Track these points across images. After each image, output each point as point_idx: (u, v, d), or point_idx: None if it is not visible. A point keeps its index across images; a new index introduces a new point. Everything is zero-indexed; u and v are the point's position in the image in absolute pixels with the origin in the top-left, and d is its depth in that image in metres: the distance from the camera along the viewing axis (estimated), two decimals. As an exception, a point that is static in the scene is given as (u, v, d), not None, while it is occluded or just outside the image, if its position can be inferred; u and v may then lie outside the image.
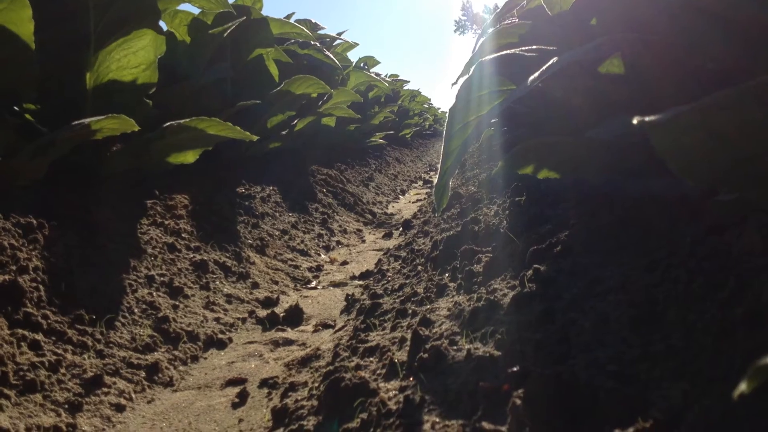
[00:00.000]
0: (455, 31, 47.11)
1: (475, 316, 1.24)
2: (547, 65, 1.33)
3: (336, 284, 2.69)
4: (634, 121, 0.59)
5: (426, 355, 1.13)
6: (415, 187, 6.88)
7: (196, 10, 3.54)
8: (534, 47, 1.61)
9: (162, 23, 3.55)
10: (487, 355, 1.01)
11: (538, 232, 1.59)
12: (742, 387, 0.28)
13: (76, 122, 2.06)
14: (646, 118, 0.57)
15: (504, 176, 2.50)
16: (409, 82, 10.85)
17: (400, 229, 3.93)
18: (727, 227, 0.96)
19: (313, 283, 2.71)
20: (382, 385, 1.16)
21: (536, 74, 1.34)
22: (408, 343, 1.27)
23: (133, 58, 2.54)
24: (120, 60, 2.52)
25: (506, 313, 1.18)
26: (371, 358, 1.39)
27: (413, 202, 5.55)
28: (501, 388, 0.81)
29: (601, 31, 1.76)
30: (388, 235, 3.88)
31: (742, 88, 0.54)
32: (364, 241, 3.76)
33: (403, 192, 6.37)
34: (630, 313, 0.86)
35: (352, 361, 1.41)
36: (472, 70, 1.57)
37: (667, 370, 0.67)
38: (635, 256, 1.10)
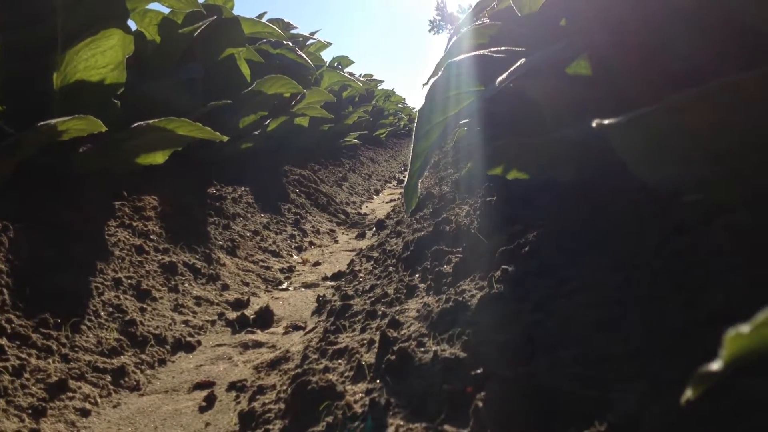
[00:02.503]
0: (430, 30, 47.19)
1: (443, 317, 1.24)
2: (514, 67, 1.33)
3: (308, 285, 2.67)
4: (593, 124, 0.59)
5: (393, 357, 1.12)
6: (389, 187, 6.87)
7: (166, 10, 3.51)
8: (503, 48, 1.61)
9: (131, 22, 3.52)
10: (453, 356, 1.00)
11: (507, 233, 1.59)
12: (688, 393, 0.28)
13: (42, 123, 2.03)
14: (605, 121, 0.57)
15: (477, 176, 2.50)
16: (383, 81, 10.84)
17: (374, 229, 3.92)
18: (693, 227, 0.96)
19: (285, 285, 2.69)
20: (348, 387, 1.16)
21: (504, 76, 1.33)
22: (376, 344, 1.27)
23: (101, 57, 2.51)
24: (88, 60, 2.48)
25: (473, 314, 1.17)
26: (340, 360, 1.38)
27: (387, 202, 5.54)
28: (464, 391, 0.80)
29: (570, 32, 1.77)
30: (361, 236, 3.87)
31: (697, 92, 0.54)
32: (337, 242, 3.75)
33: (377, 192, 6.37)
34: (594, 314, 0.86)
35: (321, 363, 1.40)
36: (441, 71, 1.56)
37: (629, 372, 0.67)
38: (602, 256, 1.11)
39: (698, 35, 1.18)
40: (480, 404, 0.72)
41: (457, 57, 1.66)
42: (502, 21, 2.20)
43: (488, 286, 1.28)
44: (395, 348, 1.15)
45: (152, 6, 3.32)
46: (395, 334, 1.26)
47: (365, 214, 4.78)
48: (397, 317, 1.39)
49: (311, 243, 3.56)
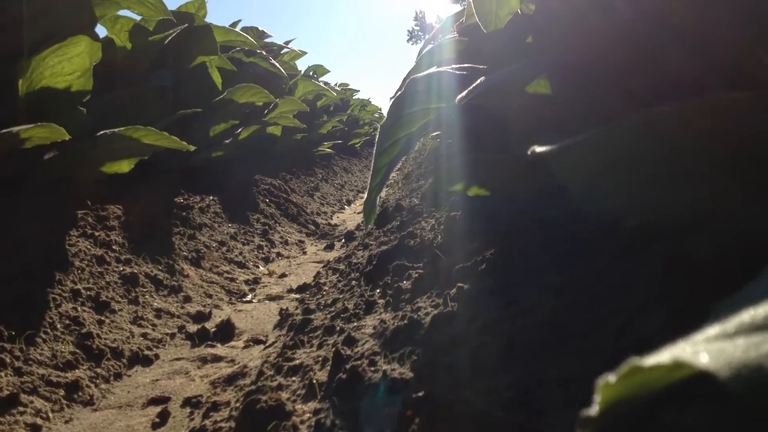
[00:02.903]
0: (408, 41, 47.37)
1: (397, 335, 1.23)
2: (473, 85, 1.34)
3: (272, 297, 2.66)
4: (528, 152, 0.59)
5: (344, 376, 1.12)
6: (362, 197, 6.86)
7: (138, 17, 3.48)
8: (465, 66, 1.61)
9: (102, 29, 3.49)
10: (401, 377, 1.00)
11: (465, 250, 1.59)
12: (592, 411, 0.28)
13: (4, 131, 2.00)
14: (537, 149, 0.57)
15: (444, 189, 2.50)
16: (359, 91, 10.85)
17: (343, 240, 3.91)
18: (636, 251, 0.97)
19: (249, 297, 2.67)
20: (298, 407, 1.15)
21: (463, 94, 1.34)
22: (330, 362, 1.26)
23: (67, 64, 2.48)
24: (54, 66, 2.46)
25: (426, 333, 1.17)
26: (294, 378, 1.37)
27: (358, 213, 5.53)
28: (404, 414, 0.80)
29: (533, 51, 1.78)
30: (329, 247, 3.86)
31: (631, 120, 0.54)
32: (305, 253, 3.73)
33: (349, 202, 6.36)
34: (535, 338, 0.86)
35: (275, 380, 1.39)
36: (404, 86, 1.57)
37: (560, 399, 0.67)
38: (551, 276, 1.11)
39: (651, 62, 1.19)
40: (415, 429, 0.71)
41: (420, 73, 1.66)
42: (469, 36, 2.21)
43: (443, 304, 1.28)
44: (347, 366, 1.14)
45: (124, 12, 3.30)
46: (349, 352, 1.26)
47: (335, 225, 4.77)
48: (353, 334, 1.38)
49: (279, 254, 3.54)
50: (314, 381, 1.22)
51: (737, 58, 0.86)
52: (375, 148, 1.45)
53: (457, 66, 1.59)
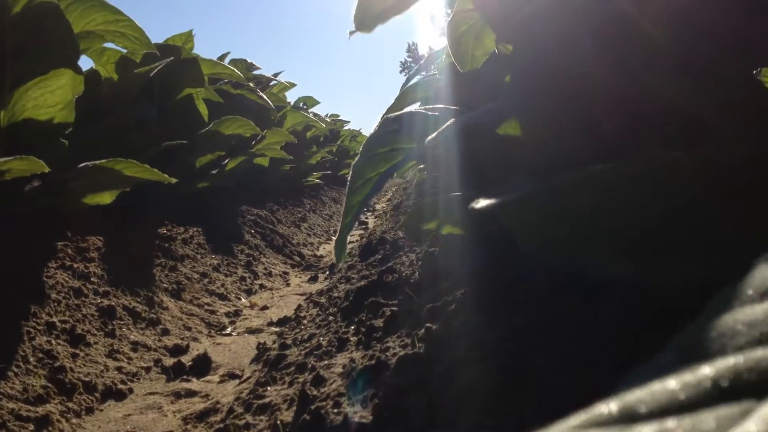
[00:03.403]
0: (401, 72, 47.75)
1: (362, 376, 1.24)
2: (443, 127, 1.35)
3: (252, 331, 2.65)
4: (470, 206, 0.60)
5: (308, 418, 1.12)
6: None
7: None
8: (438, 106, 1.64)
9: (89, 60, 3.52)
10: (362, 421, 1.00)
11: (438, 288, 1.60)
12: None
13: (-19, 163, 2.01)
14: (477, 205, 0.58)
15: (420, 226, 2.51)
16: (349, 122, 10.94)
17: (327, 272, 3.91)
18: (597, 298, 0.98)
19: (229, 329, 2.67)
20: (261, 448, 1.14)
21: (432, 135, 1.35)
22: (296, 402, 1.26)
23: (50, 97, 2.50)
24: (37, 99, 2.47)
25: (391, 374, 1.17)
26: (262, 417, 1.37)
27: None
28: (358, 462, 0.80)
29: (513, 89, 1.81)
30: (313, 279, 3.86)
31: (569, 178, 0.55)
32: (288, 285, 3.73)
33: (336, 232, 6.36)
34: (495, 382, 0.87)
35: (243, 419, 1.39)
36: (377, 126, 1.58)
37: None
38: (517, 318, 1.12)
39: (620, 113, 1.21)
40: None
41: (393, 113, 1.68)
42: (446, 74, 2.24)
43: (411, 344, 1.29)
44: (312, 407, 1.15)
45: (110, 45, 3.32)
46: (315, 392, 1.26)
47: (321, 256, 4.77)
48: (321, 373, 1.38)
49: (262, 286, 3.54)
50: (279, 421, 1.22)
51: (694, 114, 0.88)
52: (347, 186, 1.46)
53: (429, 107, 1.61)
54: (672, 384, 0.26)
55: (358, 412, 1.06)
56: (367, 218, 7.70)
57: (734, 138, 0.86)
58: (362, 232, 6.09)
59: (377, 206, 9.70)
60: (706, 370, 0.26)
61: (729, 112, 0.90)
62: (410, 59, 47.19)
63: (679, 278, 0.73)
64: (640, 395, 0.27)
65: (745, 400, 0.24)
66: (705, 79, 0.94)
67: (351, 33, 1.16)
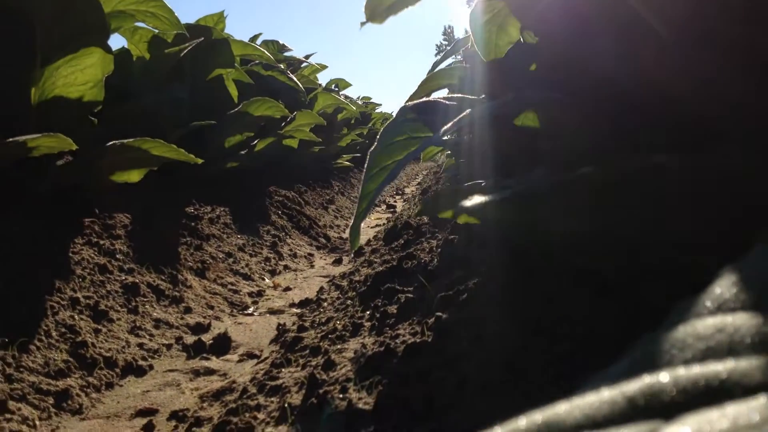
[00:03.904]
0: (437, 55, 47.46)
1: (371, 362, 1.25)
2: (458, 117, 1.35)
3: (274, 311, 2.68)
4: (459, 204, 0.61)
5: (314, 401, 1.14)
6: (378, 212, 6.89)
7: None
8: (456, 96, 1.64)
9: (122, 39, 3.56)
10: (366, 407, 1.02)
11: (452, 277, 1.61)
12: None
13: (11, 139, 2.05)
14: (466, 203, 0.59)
15: (435, 214, 2.52)
16: (381, 105, 10.93)
17: (352, 255, 3.93)
18: (606, 293, 0.98)
19: (251, 309, 2.70)
20: (268, 430, 1.17)
21: (448, 125, 1.36)
22: (306, 386, 1.28)
23: (80, 75, 2.53)
24: (67, 77, 2.51)
25: (397, 362, 1.19)
26: (273, 398, 1.39)
27: (372, 227, 5.55)
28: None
29: (540, 76, 1.79)
30: (338, 261, 3.88)
31: (550, 181, 0.56)
32: (312, 266, 3.76)
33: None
34: (488, 377, 0.88)
35: (256, 399, 1.42)
36: (395, 113, 1.59)
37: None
38: (521, 312, 1.12)
39: (634, 108, 1.21)
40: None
41: (414, 100, 1.68)
42: (471, 63, 2.23)
43: (420, 332, 1.30)
44: (320, 392, 1.17)
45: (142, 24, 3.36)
46: (324, 377, 1.28)
47: (347, 239, 4.79)
48: (333, 357, 1.40)
49: (286, 267, 3.57)
50: (287, 404, 1.24)
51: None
52: (363, 173, 1.47)
53: (447, 96, 1.61)
54: (592, 400, 0.27)
55: (362, 399, 1.07)
56: (396, 201, 7.71)
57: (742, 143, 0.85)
58: (390, 215, 6.11)
59: (407, 190, 9.71)
60: (626, 387, 0.27)
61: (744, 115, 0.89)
62: (446, 42, 46.89)
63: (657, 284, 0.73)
64: (563, 409, 0.27)
65: (653, 420, 0.25)
66: (719, 76, 0.93)
67: (362, 24, 1.17)
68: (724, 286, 0.40)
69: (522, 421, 0.26)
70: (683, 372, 0.27)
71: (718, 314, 0.37)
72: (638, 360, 0.36)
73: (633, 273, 0.74)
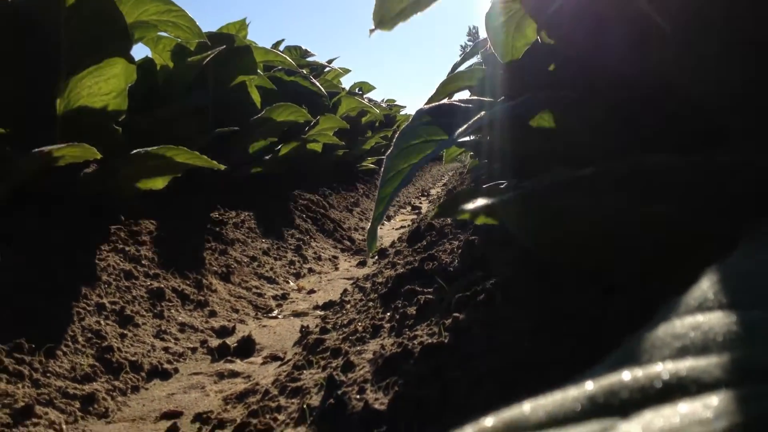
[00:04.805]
0: (460, 56, 47.33)
1: (389, 364, 1.26)
2: (473, 120, 1.36)
3: (297, 314, 2.70)
4: (461, 207, 0.62)
5: (332, 402, 1.15)
6: (403, 213, 6.90)
7: (180, 37, 3.59)
8: (472, 98, 1.64)
9: (146, 48, 3.62)
10: (381, 408, 1.03)
11: (471, 277, 1.62)
12: None
13: (37, 150, 2.10)
14: (469, 206, 0.60)
15: (454, 215, 2.52)
16: (405, 107, 10.93)
17: (376, 257, 3.95)
18: (616, 292, 0.98)
19: (275, 312, 2.73)
20: (287, 431, 1.19)
21: (462, 128, 1.36)
22: (324, 387, 1.30)
23: (104, 85, 2.58)
24: (91, 87, 2.56)
25: (414, 363, 1.20)
26: (294, 399, 1.41)
27: (397, 229, 5.57)
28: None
29: (558, 77, 1.80)
30: (362, 263, 3.90)
31: (553, 181, 0.56)
32: (337, 269, 3.78)
33: (389, 218, 6.40)
34: (502, 376, 0.88)
35: (277, 401, 1.44)
36: (411, 117, 1.60)
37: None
38: (536, 311, 1.13)
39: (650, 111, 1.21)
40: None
41: (433, 102, 1.69)
42: (489, 65, 2.24)
43: (438, 333, 1.31)
44: (338, 393, 1.18)
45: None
46: (342, 378, 1.29)
47: (372, 241, 4.80)
48: (352, 358, 1.42)
49: (310, 270, 3.60)
50: (306, 405, 1.25)
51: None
52: (380, 177, 1.48)
53: (463, 99, 1.62)
54: (557, 398, 0.28)
55: (378, 399, 1.09)
56: (421, 203, 7.72)
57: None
58: (415, 216, 6.11)
59: (432, 191, 9.70)
60: (588, 386, 0.28)
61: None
62: (471, 43, 46.77)
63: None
64: (529, 407, 0.28)
65: (611, 417, 0.26)
66: (730, 78, 0.93)
67: (371, 31, 1.18)
68: (706, 285, 0.41)
69: (489, 420, 0.27)
70: (642, 370, 0.28)
71: (697, 313, 0.38)
72: (619, 359, 0.37)
73: (642, 271, 0.75)
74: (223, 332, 2.37)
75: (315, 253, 3.94)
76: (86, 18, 2.35)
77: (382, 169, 1.51)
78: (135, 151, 2.48)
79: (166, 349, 2.07)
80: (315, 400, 1.29)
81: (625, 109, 1.28)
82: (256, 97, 4.06)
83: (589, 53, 1.44)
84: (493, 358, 1.00)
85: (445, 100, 1.61)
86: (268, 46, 4.58)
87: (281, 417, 1.30)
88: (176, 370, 1.99)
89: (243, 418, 1.34)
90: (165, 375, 1.94)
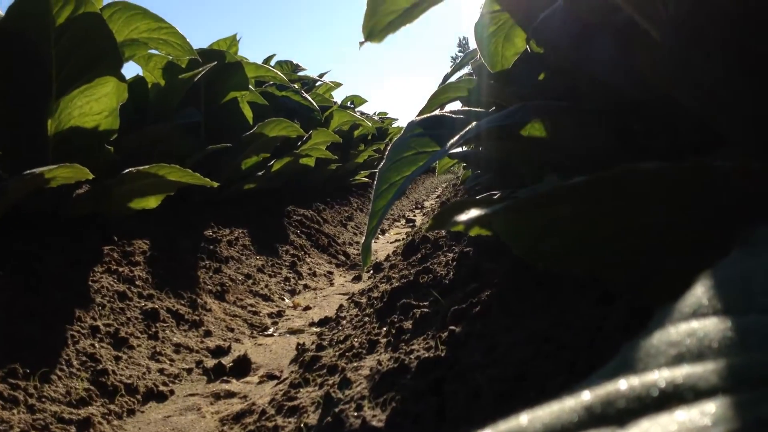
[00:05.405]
0: (451, 67, 47.51)
1: (386, 379, 1.25)
2: (464, 131, 1.36)
3: (293, 331, 2.69)
4: (453, 219, 0.61)
5: (330, 420, 1.14)
6: (397, 226, 6.90)
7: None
8: (463, 109, 1.64)
9: (137, 67, 3.62)
10: (379, 425, 1.02)
11: (466, 289, 1.61)
12: None
13: (28, 171, 2.09)
14: (461, 217, 0.59)
15: (448, 228, 2.52)
16: (397, 119, 10.96)
17: (371, 271, 3.94)
18: (611, 300, 0.98)
19: (271, 330, 2.71)
20: (284, 450, 1.17)
21: (454, 139, 1.36)
22: (322, 405, 1.29)
23: (95, 105, 2.57)
24: (82, 107, 2.55)
25: (410, 378, 1.19)
26: (291, 419, 1.40)
27: (391, 242, 5.56)
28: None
29: (548, 86, 1.80)
30: (357, 278, 3.89)
31: (545, 191, 0.56)
32: (332, 284, 3.77)
33: (384, 231, 6.39)
34: (500, 388, 0.88)
35: (273, 420, 1.42)
36: (403, 129, 1.60)
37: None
38: (534, 322, 1.12)
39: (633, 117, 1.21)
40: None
41: (424, 114, 1.69)
42: (479, 75, 2.24)
43: (434, 347, 1.30)
44: (335, 410, 1.17)
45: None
46: (339, 395, 1.28)
47: (367, 256, 4.79)
48: (349, 375, 1.41)
49: (306, 286, 3.58)
50: (304, 424, 1.24)
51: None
52: (373, 191, 1.48)
53: (454, 110, 1.62)
54: (555, 409, 0.27)
55: (376, 416, 1.08)
56: (415, 216, 7.71)
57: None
58: (409, 229, 6.11)
59: (426, 204, 9.71)
60: (585, 396, 0.27)
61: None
62: (461, 54, 47.00)
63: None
64: (526, 419, 0.28)
65: (609, 427, 0.25)
66: (721, 84, 0.93)
67: (361, 44, 1.18)
68: (701, 291, 0.40)
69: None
70: (639, 379, 0.28)
71: (692, 319, 0.37)
72: (615, 368, 0.36)
73: (637, 279, 0.74)
74: (219, 352, 2.35)
75: (310, 269, 3.93)
76: (76, 37, 2.34)
77: (375, 182, 1.51)
78: (127, 170, 2.47)
79: (161, 371, 2.06)
80: (312, 418, 1.28)
81: (615, 117, 1.28)
82: (248, 112, 4.06)
83: (578, 62, 1.44)
84: (490, 370, 0.99)
85: (437, 112, 1.61)
86: (259, 61, 4.59)
87: (278, 436, 1.29)
88: (172, 392, 1.97)
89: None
90: (161, 397, 1.93)
